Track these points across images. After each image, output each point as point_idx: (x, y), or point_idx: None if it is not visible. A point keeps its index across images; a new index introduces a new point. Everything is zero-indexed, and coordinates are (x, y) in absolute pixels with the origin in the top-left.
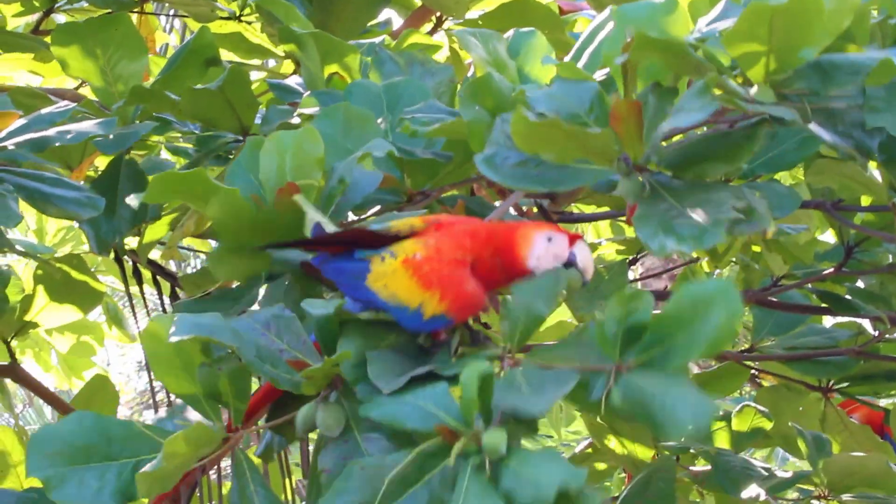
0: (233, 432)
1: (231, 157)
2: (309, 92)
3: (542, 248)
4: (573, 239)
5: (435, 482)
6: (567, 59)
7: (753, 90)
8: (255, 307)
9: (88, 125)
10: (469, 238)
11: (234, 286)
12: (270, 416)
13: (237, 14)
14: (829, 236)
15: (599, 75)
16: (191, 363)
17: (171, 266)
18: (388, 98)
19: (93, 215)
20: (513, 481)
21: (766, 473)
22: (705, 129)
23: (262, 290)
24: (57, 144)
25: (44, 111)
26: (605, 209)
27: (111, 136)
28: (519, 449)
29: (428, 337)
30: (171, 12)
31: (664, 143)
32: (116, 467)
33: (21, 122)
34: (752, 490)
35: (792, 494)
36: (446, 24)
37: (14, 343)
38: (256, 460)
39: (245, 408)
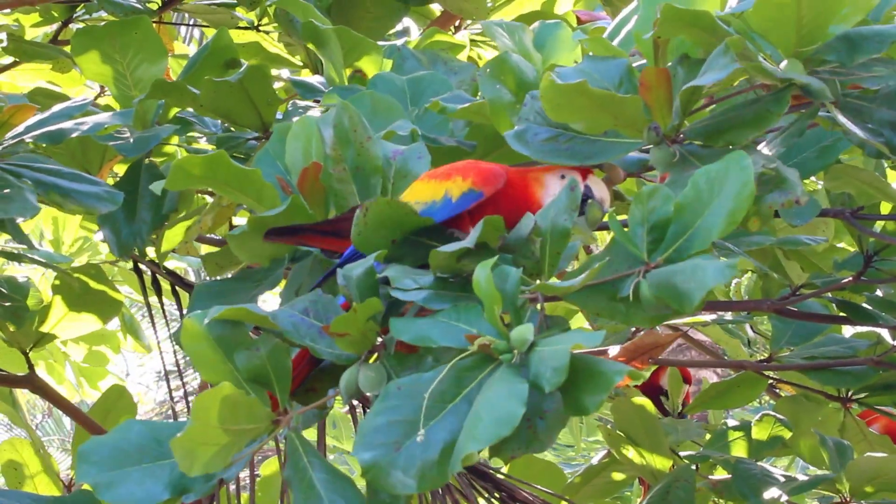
0: (280, 414)
1: (252, 155)
2: (331, 88)
3: (556, 187)
4: (585, 174)
5: (474, 395)
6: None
7: (783, 64)
8: (279, 289)
9: (104, 116)
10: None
11: (256, 267)
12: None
13: (255, 24)
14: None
15: (634, 62)
16: (230, 352)
17: (190, 276)
18: (412, 91)
19: (111, 209)
20: (537, 364)
21: (786, 480)
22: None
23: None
24: (73, 136)
25: (60, 105)
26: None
27: (132, 140)
28: (545, 338)
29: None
30: (191, 21)
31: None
32: (168, 465)
33: (38, 116)
34: (773, 492)
35: (813, 502)
36: (466, 33)
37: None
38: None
39: (289, 387)
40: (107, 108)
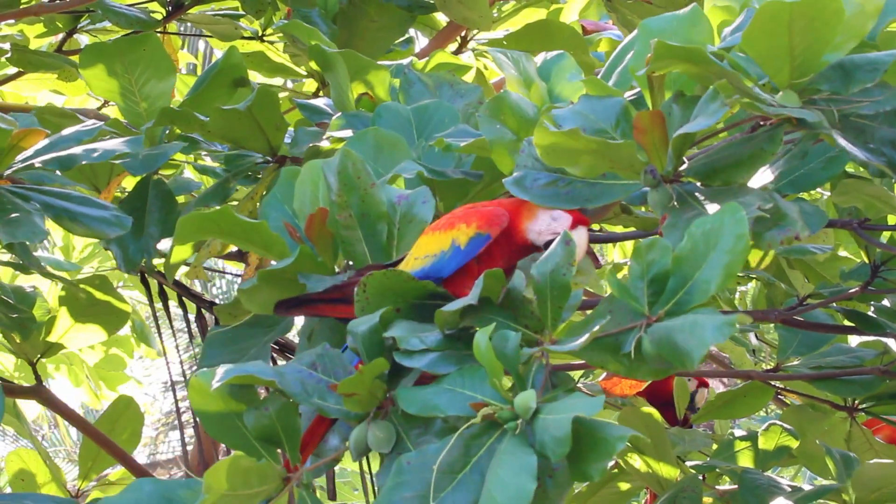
0: (291, 471)
1: (259, 176)
2: (338, 114)
3: (545, 224)
4: (576, 222)
5: (483, 463)
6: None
7: (779, 96)
8: (291, 335)
9: (115, 143)
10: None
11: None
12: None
13: (260, 34)
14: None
15: (630, 95)
16: (238, 411)
17: (197, 287)
18: (417, 121)
19: (119, 234)
20: (542, 432)
21: (792, 490)
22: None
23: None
24: (83, 163)
25: (70, 130)
26: (632, 229)
27: (140, 157)
28: (549, 402)
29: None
30: (195, 32)
31: (692, 153)
32: None
33: (47, 140)
34: (779, 502)
35: None
36: (472, 44)
37: (44, 361)
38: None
39: (297, 445)
40: (114, 122)
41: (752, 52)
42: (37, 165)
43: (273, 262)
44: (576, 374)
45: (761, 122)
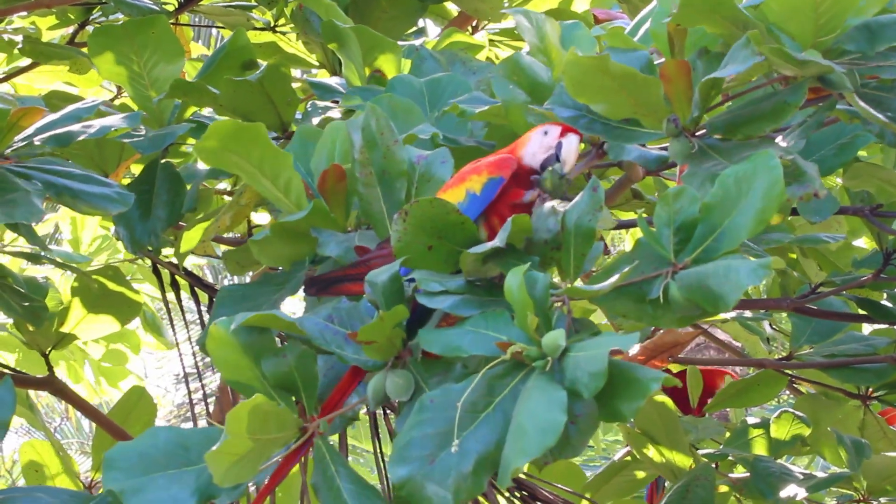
0: (308, 421)
1: None
2: (351, 88)
3: (537, 143)
4: (566, 130)
5: (507, 403)
6: None
7: (803, 55)
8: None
9: (112, 119)
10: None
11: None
12: None
13: (272, 24)
14: (862, 242)
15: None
16: (257, 359)
17: (208, 277)
18: (430, 93)
19: (122, 210)
20: (573, 370)
21: (804, 478)
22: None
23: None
24: (80, 138)
25: (69, 108)
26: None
27: (148, 137)
28: (578, 342)
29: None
30: (207, 23)
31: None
32: (195, 471)
33: (47, 119)
34: (791, 490)
35: (832, 501)
36: (482, 33)
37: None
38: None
39: (315, 394)
40: (123, 108)
41: (777, 10)
42: (36, 143)
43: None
44: None
45: (775, 88)
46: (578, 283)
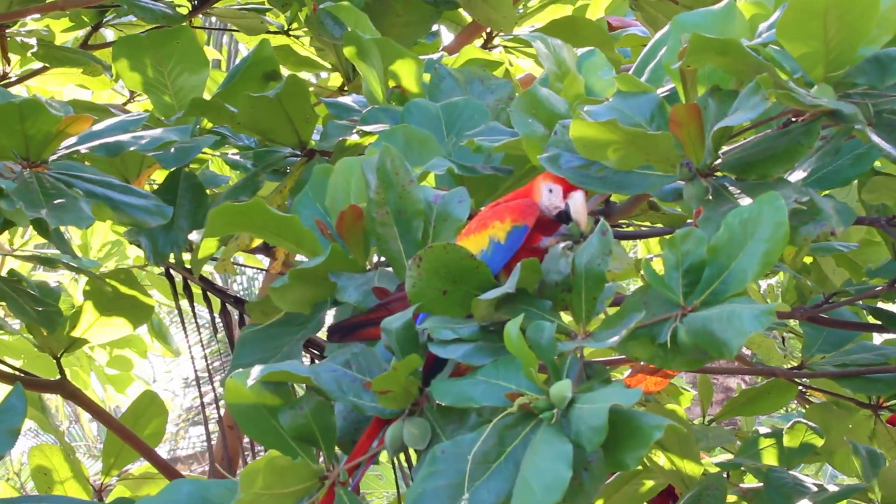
0: (328, 470)
1: (288, 171)
2: (369, 108)
3: (546, 199)
4: (568, 191)
5: (518, 454)
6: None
7: (814, 90)
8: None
9: (162, 132)
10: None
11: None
12: None
13: (286, 28)
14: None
15: (663, 91)
16: (274, 411)
17: (219, 281)
18: (446, 118)
19: (160, 223)
20: (577, 423)
21: (818, 490)
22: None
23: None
24: (132, 149)
25: (115, 119)
26: (659, 226)
27: (172, 150)
28: (585, 392)
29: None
30: (220, 26)
31: (726, 147)
32: None
33: (92, 128)
34: (805, 503)
35: None
36: (497, 39)
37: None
38: None
39: (333, 444)
40: (151, 117)
41: (786, 44)
42: (83, 151)
43: (301, 258)
44: None
45: (793, 119)
46: (594, 321)
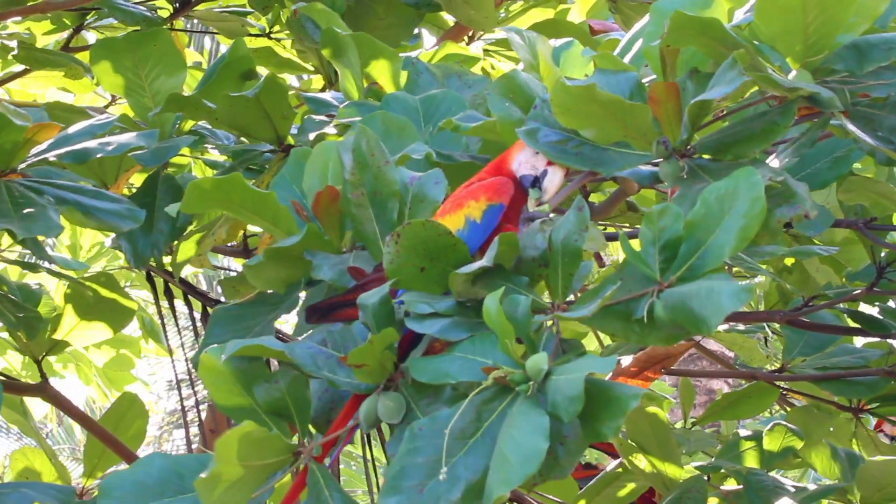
0: (301, 445)
1: (266, 168)
2: (346, 103)
3: (528, 156)
4: (552, 162)
5: (495, 428)
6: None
7: (792, 74)
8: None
9: (129, 137)
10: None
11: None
12: None
13: (267, 30)
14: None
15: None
16: (248, 386)
17: (202, 285)
18: (424, 110)
19: (132, 227)
20: (553, 394)
21: (797, 490)
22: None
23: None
24: (98, 156)
25: (83, 124)
26: (638, 227)
27: (151, 149)
28: (561, 365)
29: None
30: (202, 29)
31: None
32: (190, 499)
33: (60, 134)
34: (784, 503)
35: None
36: (479, 43)
37: (52, 359)
38: None
39: (307, 419)
40: (122, 117)
41: (765, 27)
42: (51, 159)
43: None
44: None
45: (770, 105)
46: (570, 297)
